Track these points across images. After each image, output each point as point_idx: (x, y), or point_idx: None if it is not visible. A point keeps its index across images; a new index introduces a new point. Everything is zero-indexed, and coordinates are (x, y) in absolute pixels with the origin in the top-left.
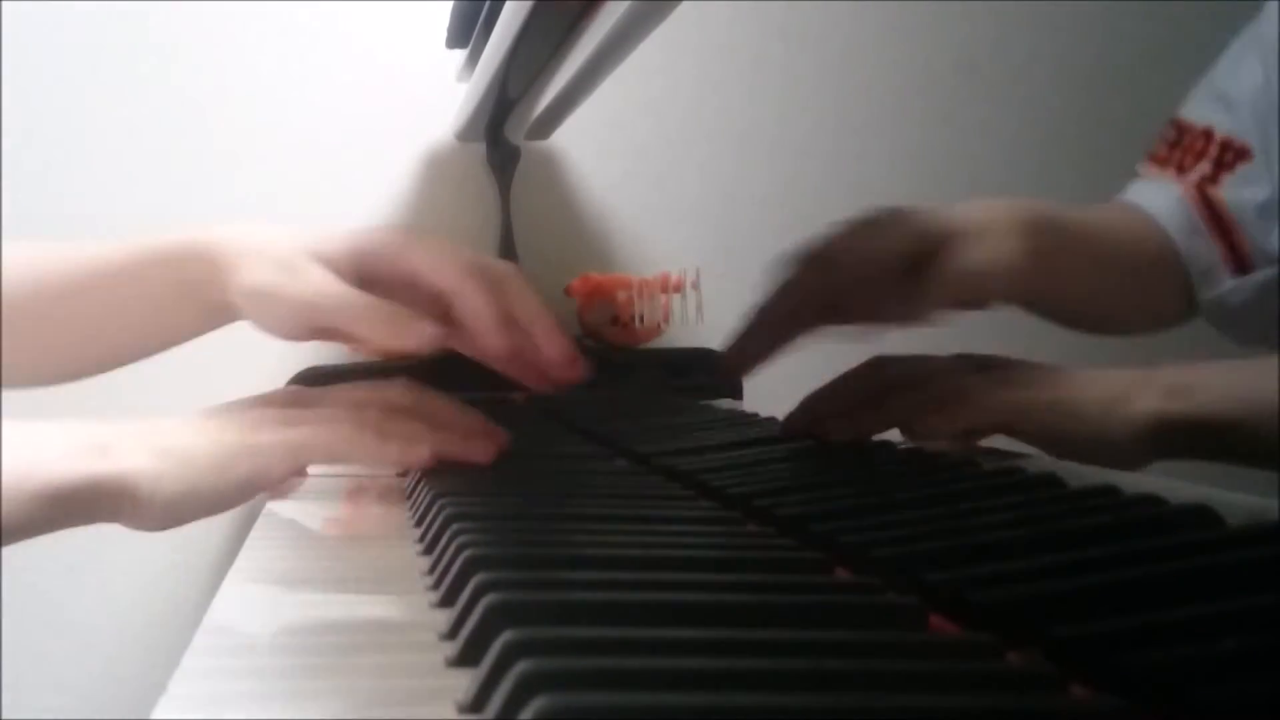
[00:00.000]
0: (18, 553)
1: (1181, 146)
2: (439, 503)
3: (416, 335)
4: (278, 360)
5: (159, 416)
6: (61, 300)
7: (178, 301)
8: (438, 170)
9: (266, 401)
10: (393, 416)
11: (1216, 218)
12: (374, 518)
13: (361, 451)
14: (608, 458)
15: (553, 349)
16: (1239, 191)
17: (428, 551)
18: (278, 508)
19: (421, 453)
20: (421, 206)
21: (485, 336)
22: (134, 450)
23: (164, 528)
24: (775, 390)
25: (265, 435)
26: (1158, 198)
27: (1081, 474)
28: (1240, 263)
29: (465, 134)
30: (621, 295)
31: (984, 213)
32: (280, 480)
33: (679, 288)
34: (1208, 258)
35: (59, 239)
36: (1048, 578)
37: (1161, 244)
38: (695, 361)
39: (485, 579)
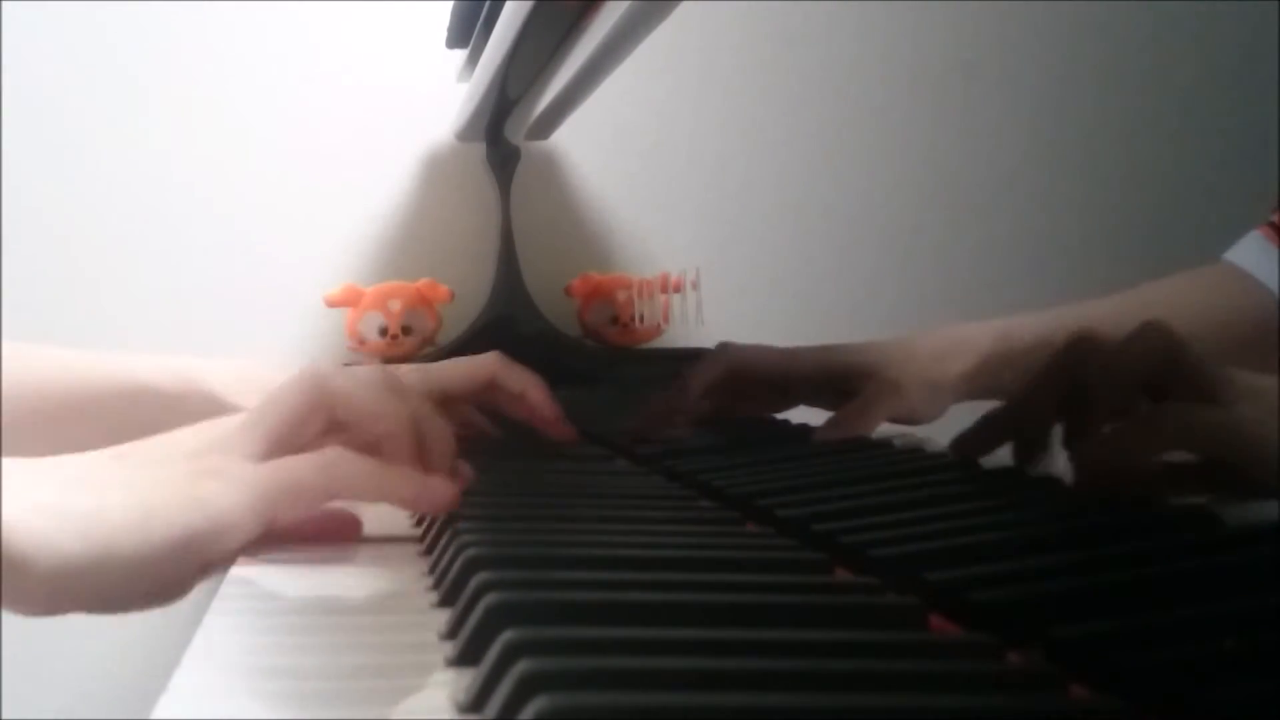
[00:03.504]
0: None
1: None
2: None
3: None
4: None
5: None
6: (55, 415)
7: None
8: (438, 170)
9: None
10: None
11: None
12: (373, 517)
13: (364, 486)
14: (608, 458)
15: (555, 426)
16: None
17: (428, 551)
18: None
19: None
20: (421, 206)
21: (554, 424)
22: None
23: (47, 613)
24: None
25: (220, 479)
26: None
27: None
28: None
29: (465, 134)
30: (621, 295)
31: None
32: (238, 545)
33: (679, 288)
34: None
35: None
36: (1048, 578)
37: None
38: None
39: (485, 579)
